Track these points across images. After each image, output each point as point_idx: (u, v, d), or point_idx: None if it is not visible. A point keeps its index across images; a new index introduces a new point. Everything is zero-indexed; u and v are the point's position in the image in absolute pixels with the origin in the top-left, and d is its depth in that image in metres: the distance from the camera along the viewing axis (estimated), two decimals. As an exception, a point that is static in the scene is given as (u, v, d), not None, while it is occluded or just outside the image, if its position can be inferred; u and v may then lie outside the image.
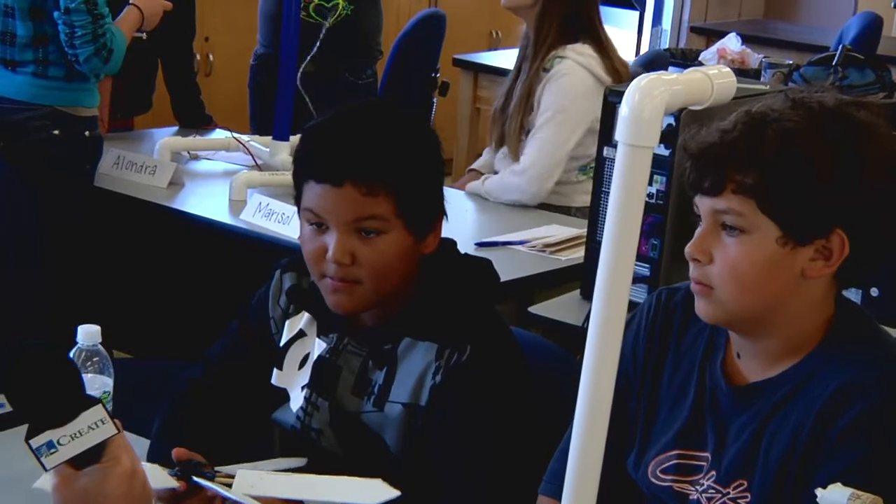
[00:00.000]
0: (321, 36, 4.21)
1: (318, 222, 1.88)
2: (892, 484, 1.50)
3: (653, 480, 1.75)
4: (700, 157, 1.63)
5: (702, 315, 1.67)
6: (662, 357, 1.78)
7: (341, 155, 1.86)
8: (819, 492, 1.29)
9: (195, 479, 1.76)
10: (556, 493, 1.78)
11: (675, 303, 1.79)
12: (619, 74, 3.75)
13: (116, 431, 1.47)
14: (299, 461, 1.94)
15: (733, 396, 1.69)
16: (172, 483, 1.76)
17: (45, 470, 1.45)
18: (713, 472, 1.69)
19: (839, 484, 1.29)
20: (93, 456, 1.45)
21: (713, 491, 1.69)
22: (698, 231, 1.65)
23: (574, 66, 3.72)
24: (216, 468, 1.81)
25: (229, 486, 1.76)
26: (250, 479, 1.77)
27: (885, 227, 1.61)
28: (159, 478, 1.76)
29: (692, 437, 1.72)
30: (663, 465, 1.74)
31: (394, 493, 1.69)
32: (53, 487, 1.47)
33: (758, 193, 1.58)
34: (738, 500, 1.66)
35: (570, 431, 1.78)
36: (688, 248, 1.65)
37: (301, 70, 3.92)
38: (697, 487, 1.70)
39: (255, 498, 1.76)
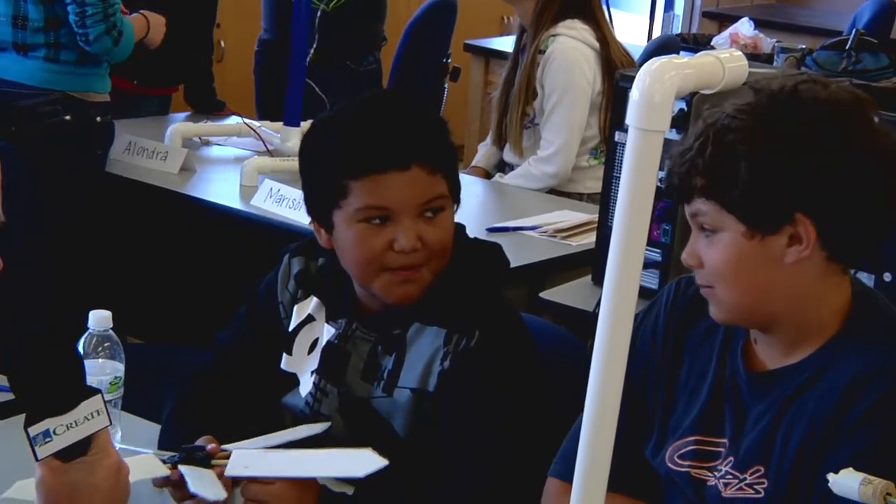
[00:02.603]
0: (320, 22, 4.20)
1: (381, 216, 1.86)
2: None
3: (670, 466, 1.75)
4: (670, 165, 1.67)
5: (713, 317, 1.70)
6: (681, 344, 1.79)
7: (403, 138, 1.86)
8: (831, 477, 1.28)
9: (180, 468, 1.78)
10: (566, 475, 1.79)
11: (693, 290, 1.78)
12: (610, 45, 3.77)
13: (109, 423, 1.47)
14: (322, 426, 1.95)
15: (752, 383, 1.70)
16: (165, 471, 1.78)
17: (37, 460, 1.45)
18: (731, 458, 1.70)
19: (851, 469, 1.28)
20: (81, 448, 1.45)
21: (730, 476, 1.69)
22: (690, 238, 1.68)
23: (568, 41, 3.74)
24: (223, 447, 1.82)
25: (225, 466, 1.79)
26: (244, 459, 1.79)
27: (847, 203, 1.60)
28: (153, 467, 1.77)
29: (710, 423, 1.73)
30: (681, 451, 1.75)
31: (382, 462, 1.71)
32: (39, 480, 1.47)
33: (714, 193, 1.61)
34: (755, 486, 1.66)
35: (582, 415, 1.81)
36: (682, 256, 1.69)
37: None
38: (715, 473, 1.71)
39: (248, 478, 1.78)
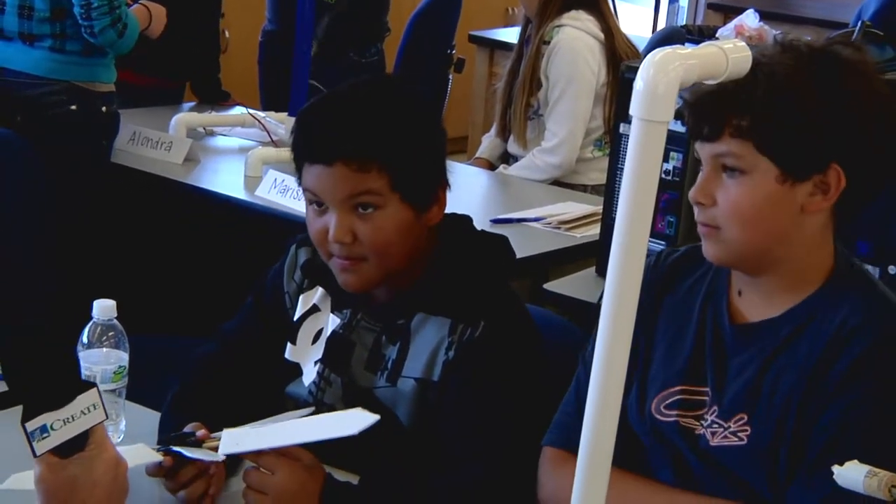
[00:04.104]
0: (326, 15, 4.20)
1: (317, 202, 1.89)
2: (890, 424, 1.59)
3: (657, 417, 1.78)
4: (696, 104, 1.68)
5: (709, 256, 1.72)
6: (658, 302, 1.82)
7: (329, 134, 1.87)
8: (836, 468, 1.28)
9: (173, 448, 1.79)
10: (559, 443, 1.84)
11: (674, 258, 1.84)
12: (615, 36, 3.78)
13: (106, 417, 1.47)
14: (306, 412, 1.96)
15: (735, 334, 1.74)
16: (157, 457, 1.78)
17: (35, 456, 1.44)
18: (715, 407, 1.73)
19: (856, 461, 1.28)
20: (79, 444, 1.45)
21: (716, 426, 1.72)
22: (700, 175, 1.70)
23: (573, 32, 3.74)
24: (212, 434, 1.82)
25: (217, 448, 1.79)
26: (235, 437, 1.81)
27: (878, 158, 1.66)
28: (145, 455, 1.77)
29: (694, 373, 1.76)
30: (667, 401, 1.78)
31: (374, 417, 1.72)
32: (38, 477, 1.47)
33: (754, 135, 1.63)
34: (739, 433, 1.70)
35: (573, 384, 1.86)
36: (691, 193, 1.70)
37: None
38: (703, 422, 1.74)
39: (242, 454, 1.79)
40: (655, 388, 1.79)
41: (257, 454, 1.80)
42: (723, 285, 1.78)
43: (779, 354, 1.69)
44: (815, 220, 1.68)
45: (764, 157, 1.63)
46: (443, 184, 1.94)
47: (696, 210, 1.70)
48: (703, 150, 1.69)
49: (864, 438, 1.60)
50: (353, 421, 1.72)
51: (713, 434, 1.73)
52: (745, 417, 1.70)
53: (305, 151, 1.91)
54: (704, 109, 1.66)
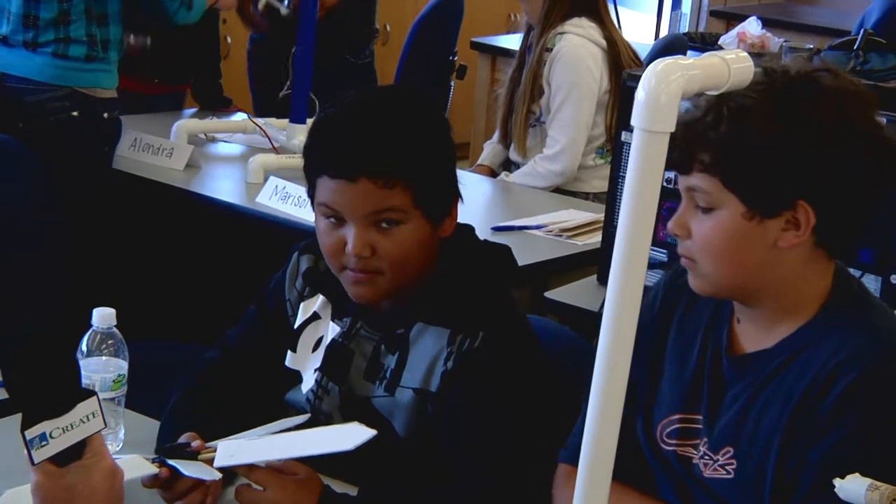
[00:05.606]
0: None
1: (334, 216, 1.87)
2: (883, 455, 1.55)
3: (661, 445, 1.77)
4: (671, 135, 1.65)
5: (692, 287, 1.71)
6: (668, 323, 1.80)
7: (354, 150, 1.85)
8: (837, 482, 1.28)
9: (168, 462, 1.77)
10: (571, 460, 1.81)
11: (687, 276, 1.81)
12: (618, 44, 3.78)
13: (104, 426, 1.47)
14: (302, 418, 1.95)
15: (732, 365, 1.72)
16: (152, 468, 1.77)
17: (33, 464, 1.44)
18: (706, 439, 1.72)
19: (858, 475, 1.28)
20: (76, 452, 1.45)
21: (707, 458, 1.71)
22: (679, 207, 1.68)
23: (576, 39, 3.74)
24: (207, 444, 1.81)
25: (212, 460, 1.78)
26: (230, 449, 1.80)
27: (849, 194, 1.61)
28: (140, 466, 1.76)
29: (691, 401, 1.75)
30: (668, 429, 1.77)
31: (370, 432, 1.71)
32: (35, 485, 1.47)
33: (719, 171, 1.61)
34: (726, 467, 1.69)
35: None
36: (669, 225, 1.69)
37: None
38: (697, 452, 1.73)
39: (235, 467, 1.78)
40: (661, 413, 1.77)
41: (249, 469, 1.79)
42: (726, 311, 1.75)
43: (766, 387, 1.66)
44: (793, 254, 1.64)
45: (730, 194, 1.61)
46: (456, 196, 1.94)
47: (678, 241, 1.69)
48: (679, 181, 1.67)
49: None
50: (350, 436, 1.72)
51: (705, 465, 1.71)
52: (731, 451, 1.68)
53: (325, 165, 1.87)
54: (675, 140, 1.64)
